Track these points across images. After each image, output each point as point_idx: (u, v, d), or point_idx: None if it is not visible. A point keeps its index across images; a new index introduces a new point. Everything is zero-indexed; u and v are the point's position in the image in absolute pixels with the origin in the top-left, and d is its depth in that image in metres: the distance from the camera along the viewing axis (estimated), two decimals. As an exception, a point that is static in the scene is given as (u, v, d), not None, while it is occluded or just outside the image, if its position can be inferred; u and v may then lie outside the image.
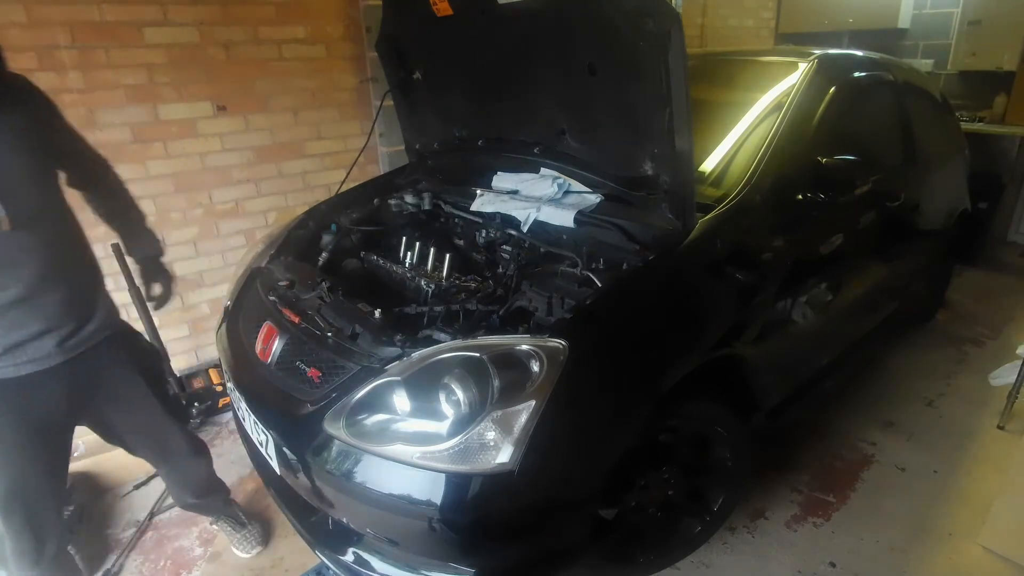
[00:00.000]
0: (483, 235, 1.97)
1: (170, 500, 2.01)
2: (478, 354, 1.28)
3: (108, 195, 1.60)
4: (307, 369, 1.48)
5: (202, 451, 1.80)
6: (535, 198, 1.87)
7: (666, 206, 1.55)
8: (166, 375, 1.72)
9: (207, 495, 1.87)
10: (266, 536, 1.98)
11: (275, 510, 2.02)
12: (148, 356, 1.66)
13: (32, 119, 1.27)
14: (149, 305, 1.73)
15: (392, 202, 2.24)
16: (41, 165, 1.28)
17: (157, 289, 1.71)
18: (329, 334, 1.50)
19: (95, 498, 2.15)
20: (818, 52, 2.12)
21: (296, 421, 1.41)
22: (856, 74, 2.32)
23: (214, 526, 1.94)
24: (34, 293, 1.25)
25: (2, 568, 1.42)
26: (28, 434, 1.32)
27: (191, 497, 1.84)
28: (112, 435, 1.63)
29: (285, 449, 1.41)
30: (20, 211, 1.18)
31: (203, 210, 2.65)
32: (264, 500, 2.14)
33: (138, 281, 1.72)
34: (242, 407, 1.61)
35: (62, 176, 1.41)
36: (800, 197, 1.82)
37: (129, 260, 1.74)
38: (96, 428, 1.60)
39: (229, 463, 2.37)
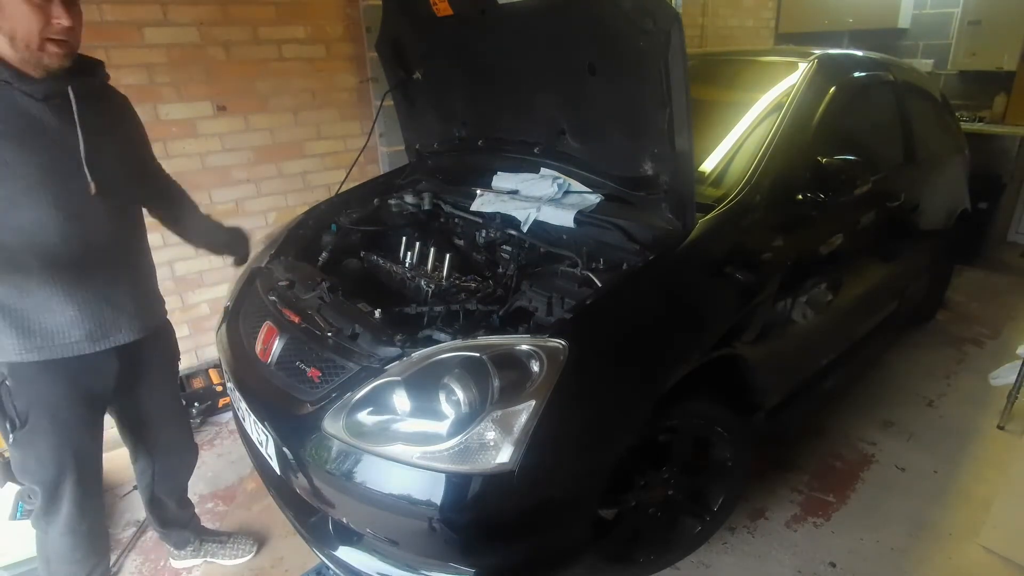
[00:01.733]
0: (483, 235, 1.97)
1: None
2: (478, 354, 1.28)
3: (182, 216, 1.75)
4: (307, 369, 1.48)
5: (195, 443, 1.84)
6: (535, 198, 1.87)
7: (666, 206, 1.55)
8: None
9: (186, 505, 1.86)
10: (256, 539, 1.96)
11: (273, 511, 2.02)
12: (176, 350, 1.74)
13: (130, 123, 1.48)
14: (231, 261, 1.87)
15: (392, 202, 2.24)
16: (132, 154, 1.46)
17: (239, 251, 1.85)
18: (329, 334, 1.51)
19: (95, 498, 2.15)
20: (818, 52, 2.12)
21: (296, 421, 1.41)
22: (856, 74, 2.32)
23: (199, 558, 1.88)
24: (109, 264, 1.37)
25: (40, 530, 1.50)
26: (79, 408, 1.40)
27: (175, 503, 1.81)
28: (135, 422, 1.64)
29: (285, 449, 1.41)
30: (104, 181, 1.31)
31: (203, 210, 2.64)
32: (263, 500, 2.14)
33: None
34: (242, 407, 1.61)
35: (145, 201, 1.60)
36: (800, 197, 1.82)
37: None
38: (123, 413, 1.62)
39: (229, 463, 2.37)
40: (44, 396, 1.34)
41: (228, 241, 1.81)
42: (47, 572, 1.53)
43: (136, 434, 1.67)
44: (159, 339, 1.60)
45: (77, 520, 1.47)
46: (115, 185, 1.36)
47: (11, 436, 1.33)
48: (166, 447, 1.71)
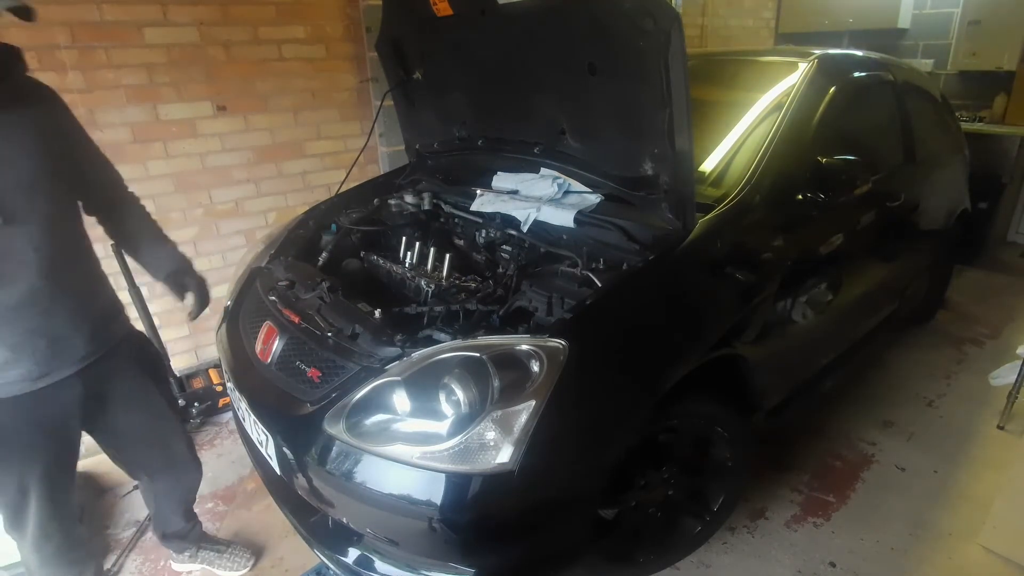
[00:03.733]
0: (483, 235, 1.97)
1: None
2: (478, 354, 1.28)
3: (129, 225, 1.58)
4: (307, 369, 1.48)
5: (198, 460, 1.75)
6: (535, 198, 1.87)
7: (666, 206, 1.55)
8: (169, 378, 1.68)
9: (192, 518, 1.83)
10: (254, 550, 1.93)
11: (273, 511, 2.02)
12: (156, 360, 1.65)
13: (50, 128, 1.28)
14: (188, 314, 1.67)
15: (392, 202, 2.24)
16: (48, 171, 1.25)
17: (191, 299, 1.65)
18: (329, 334, 1.51)
19: (95, 498, 2.15)
20: (818, 52, 2.12)
21: (296, 421, 1.41)
22: (856, 74, 2.32)
23: (195, 564, 1.86)
24: (37, 296, 1.24)
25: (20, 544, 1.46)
26: (38, 438, 1.33)
27: (181, 518, 1.78)
28: (118, 444, 1.58)
29: (285, 449, 1.41)
30: (15, 208, 1.18)
31: (203, 210, 2.65)
32: (263, 500, 2.14)
33: (173, 297, 1.66)
34: (242, 407, 1.61)
35: (80, 202, 1.43)
36: (800, 197, 1.82)
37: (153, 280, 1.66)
38: (102, 436, 1.54)
39: (229, 463, 2.37)
40: (8, 426, 1.27)
41: (184, 278, 1.62)
42: None
43: (123, 456, 1.61)
44: (123, 354, 1.48)
45: (42, 541, 1.43)
46: (36, 209, 1.21)
47: None
48: (159, 466, 1.64)
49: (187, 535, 1.84)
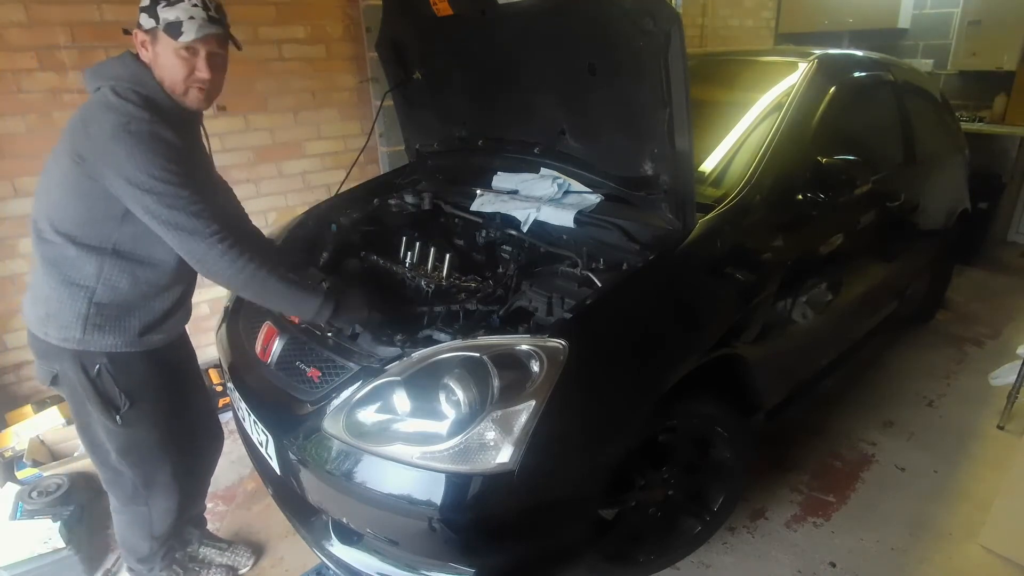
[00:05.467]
0: (483, 235, 1.97)
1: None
2: (478, 354, 1.28)
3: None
4: (307, 369, 1.48)
5: (222, 430, 1.89)
6: (535, 198, 1.87)
7: (666, 206, 1.55)
8: None
9: (204, 507, 1.89)
10: (255, 550, 1.92)
11: (272, 511, 2.02)
12: None
13: None
14: None
15: (392, 202, 2.24)
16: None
17: None
18: (329, 334, 1.51)
19: (95, 498, 2.15)
20: (818, 52, 2.12)
21: (296, 421, 1.42)
22: (856, 74, 2.32)
23: (195, 562, 1.86)
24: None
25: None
26: (170, 392, 1.53)
27: (201, 498, 1.82)
28: (186, 405, 1.67)
29: (285, 449, 1.41)
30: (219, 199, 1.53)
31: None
32: (263, 500, 2.14)
33: None
34: (242, 407, 1.61)
35: None
36: (800, 197, 1.82)
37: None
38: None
39: (229, 463, 2.37)
40: (148, 376, 1.44)
41: None
42: (148, 536, 1.62)
43: (178, 422, 1.68)
44: None
45: (178, 473, 1.57)
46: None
47: (118, 417, 1.40)
48: (200, 430, 1.73)
49: (200, 522, 1.87)
